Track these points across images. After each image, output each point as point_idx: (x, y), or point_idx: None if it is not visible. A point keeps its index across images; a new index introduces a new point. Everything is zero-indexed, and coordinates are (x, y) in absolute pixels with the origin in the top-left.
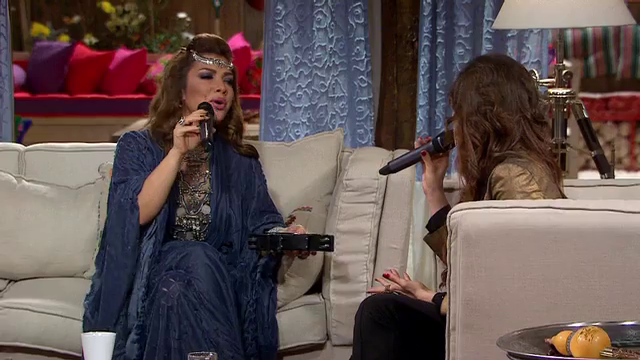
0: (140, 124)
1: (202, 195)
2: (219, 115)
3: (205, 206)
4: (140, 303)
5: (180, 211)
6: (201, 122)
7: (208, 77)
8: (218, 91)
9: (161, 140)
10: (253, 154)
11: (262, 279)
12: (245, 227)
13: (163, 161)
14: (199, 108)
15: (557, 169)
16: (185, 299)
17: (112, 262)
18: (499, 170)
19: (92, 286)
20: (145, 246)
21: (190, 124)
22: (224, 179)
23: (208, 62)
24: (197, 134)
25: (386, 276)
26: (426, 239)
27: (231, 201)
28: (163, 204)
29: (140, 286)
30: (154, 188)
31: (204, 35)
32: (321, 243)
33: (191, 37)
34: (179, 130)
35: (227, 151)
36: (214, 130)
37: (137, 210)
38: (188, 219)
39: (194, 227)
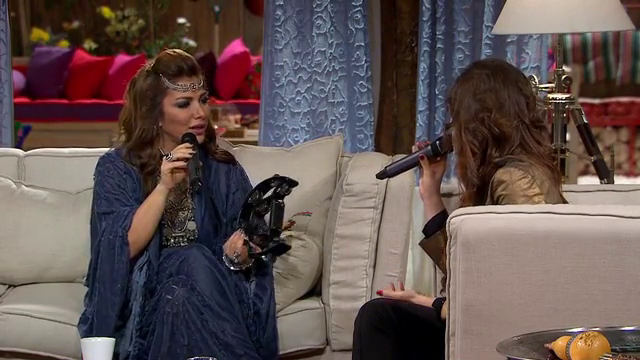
0: None
1: (186, 212)
2: (200, 139)
3: (190, 222)
4: (135, 333)
5: (166, 230)
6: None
7: (185, 105)
8: (198, 117)
9: (138, 164)
10: (229, 160)
11: (259, 290)
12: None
13: (151, 197)
14: (183, 140)
15: (557, 173)
16: (190, 304)
17: (101, 299)
18: (500, 174)
19: (84, 312)
20: (138, 276)
21: (177, 160)
22: (205, 191)
23: (183, 91)
24: (184, 169)
25: (379, 293)
26: (422, 244)
27: (215, 212)
28: (152, 238)
29: (135, 314)
30: (143, 225)
31: (167, 55)
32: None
33: (191, 42)
34: (167, 167)
35: (205, 162)
36: (200, 163)
37: (127, 247)
38: (175, 237)
39: (182, 244)
